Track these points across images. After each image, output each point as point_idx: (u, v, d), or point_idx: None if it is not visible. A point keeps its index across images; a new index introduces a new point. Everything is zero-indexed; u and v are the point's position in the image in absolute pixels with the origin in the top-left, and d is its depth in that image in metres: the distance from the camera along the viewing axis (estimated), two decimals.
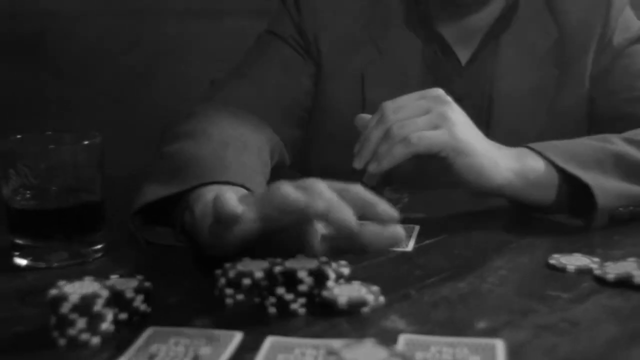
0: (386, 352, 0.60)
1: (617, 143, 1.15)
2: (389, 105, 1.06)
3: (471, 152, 1.05)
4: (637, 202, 1.13)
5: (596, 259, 0.95)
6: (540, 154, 1.11)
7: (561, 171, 1.10)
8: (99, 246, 1.00)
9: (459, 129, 1.05)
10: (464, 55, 1.41)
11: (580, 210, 1.11)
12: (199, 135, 1.12)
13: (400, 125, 1.03)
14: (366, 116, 1.09)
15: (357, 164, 1.06)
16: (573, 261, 0.94)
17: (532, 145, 1.13)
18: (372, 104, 1.28)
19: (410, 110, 1.05)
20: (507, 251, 1.02)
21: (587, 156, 1.12)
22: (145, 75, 2.07)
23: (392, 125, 1.03)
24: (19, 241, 0.97)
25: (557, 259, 0.95)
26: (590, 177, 1.09)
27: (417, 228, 1.09)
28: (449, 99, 1.07)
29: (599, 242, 1.03)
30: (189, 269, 0.93)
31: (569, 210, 1.13)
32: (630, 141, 1.16)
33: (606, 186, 1.09)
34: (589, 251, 0.98)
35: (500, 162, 1.07)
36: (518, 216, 1.16)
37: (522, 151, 1.12)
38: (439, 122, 1.04)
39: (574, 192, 1.11)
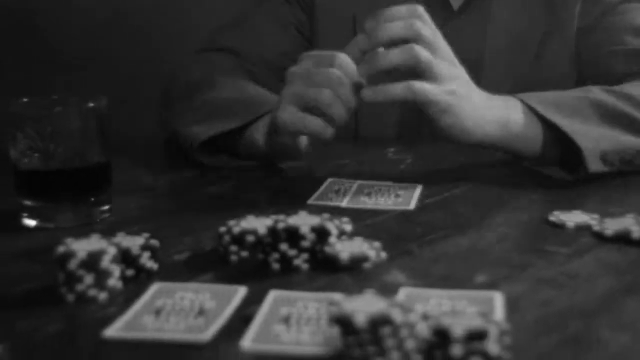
0: (385, 302, 0.61)
1: (595, 92, 1.19)
2: (422, 10, 1.07)
3: (457, 114, 1.08)
4: (619, 145, 1.15)
5: (595, 216, 0.96)
6: (523, 102, 1.15)
7: (544, 121, 1.14)
8: (106, 207, 1.01)
9: (453, 88, 1.07)
10: (456, 2, 1.43)
11: (574, 165, 1.14)
12: (218, 83, 1.34)
13: (426, 54, 1.05)
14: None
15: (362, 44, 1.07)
16: (573, 218, 0.96)
17: (517, 95, 1.17)
18: None
19: (438, 42, 1.07)
20: (508, 209, 1.03)
21: (566, 105, 1.15)
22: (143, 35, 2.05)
23: (418, 42, 1.05)
24: (27, 202, 0.99)
25: (556, 216, 0.97)
26: (569, 124, 1.12)
27: (419, 188, 1.11)
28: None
29: (599, 200, 1.05)
30: (195, 228, 0.95)
31: (565, 167, 1.17)
32: (609, 91, 1.19)
33: (586, 130, 1.12)
34: (589, 208, 0.99)
35: (487, 117, 1.11)
36: (521, 175, 1.18)
37: (507, 103, 1.15)
38: (440, 77, 1.06)
39: (561, 144, 1.14)
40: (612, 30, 1.38)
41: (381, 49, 1.04)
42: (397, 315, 0.59)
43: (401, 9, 1.06)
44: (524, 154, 1.17)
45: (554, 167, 1.18)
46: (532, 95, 1.17)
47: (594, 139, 1.12)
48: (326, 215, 0.84)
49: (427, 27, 1.06)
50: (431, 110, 1.06)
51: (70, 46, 1.99)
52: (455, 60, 1.10)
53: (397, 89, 1.04)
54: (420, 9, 1.07)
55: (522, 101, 1.16)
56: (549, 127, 1.14)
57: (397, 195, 1.07)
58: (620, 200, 1.05)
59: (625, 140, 1.15)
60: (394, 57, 1.03)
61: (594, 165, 1.11)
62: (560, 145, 1.15)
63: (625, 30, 1.37)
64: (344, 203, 1.05)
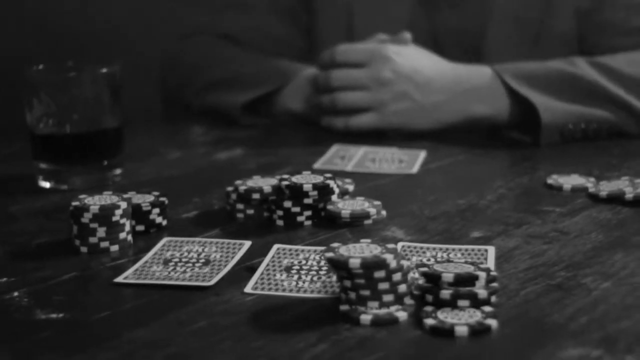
0: (380, 248, 0.64)
1: (579, 65, 1.24)
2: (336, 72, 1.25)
3: (408, 124, 1.25)
4: (585, 119, 1.21)
5: (592, 179, 0.99)
6: (497, 74, 1.24)
7: (514, 93, 1.22)
8: (118, 171, 1.05)
9: (390, 110, 1.24)
10: None
11: (529, 128, 1.22)
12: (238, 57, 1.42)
13: (344, 99, 1.25)
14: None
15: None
16: (570, 181, 0.99)
17: (494, 66, 1.25)
18: (359, 36, 1.35)
19: (354, 82, 1.24)
20: (508, 173, 1.07)
21: (541, 79, 1.22)
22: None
23: (337, 96, 1.25)
24: (42, 165, 1.02)
25: (555, 179, 0.99)
26: (538, 99, 1.20)
27: (423, 153, 1.14)
28: (391, 57, 1.24)
29: (598, 165, 1.07)
30: (203, 189, 0.98)
31: (521, 129, 1.25)
32: (594, 64, 1.24)
33: (553, 106, 1.19)
34: (586, 173, 1.02)
35: (442, 114, 1.25)
36: (523, 144, 1.21)
37: (473, 85, 1.25)
38: (374, 105, 1.24)
39: (525, 112, 1.22)
40: (614, 8, 1.38)
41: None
42: (390, 260, 0.63)
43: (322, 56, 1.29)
44: (490, 125, 1.26)
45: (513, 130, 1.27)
46: (508, 67, 1.25)
47: (559, 114, 1.20)
48: (329, 175, 0.88)
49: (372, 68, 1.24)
50: (384, 129, 1.25)
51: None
52: (406, 72, 1.24)
53: (339, 124, 1.26)
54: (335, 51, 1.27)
55: (496, 73, 1.24)
56: (518, 99, 1.22)
57: (401, 161, 1.11)
58: (619, 165, 1.08)
59: (595, 114, 1.21)
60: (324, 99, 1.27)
61: (549, 138, 1.19)
62: (523, 113, 1.23)
63: (626, 7, 1.37)
64: (349, 167, 1.08)
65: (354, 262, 0.62)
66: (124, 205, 0.79)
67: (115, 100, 1.04)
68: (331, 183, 0.85)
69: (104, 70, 1.03)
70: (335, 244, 0.66)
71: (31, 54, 1.31)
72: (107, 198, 0.80)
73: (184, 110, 1.46)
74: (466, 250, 0.76)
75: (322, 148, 1.17)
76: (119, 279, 0.71)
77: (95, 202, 0.79)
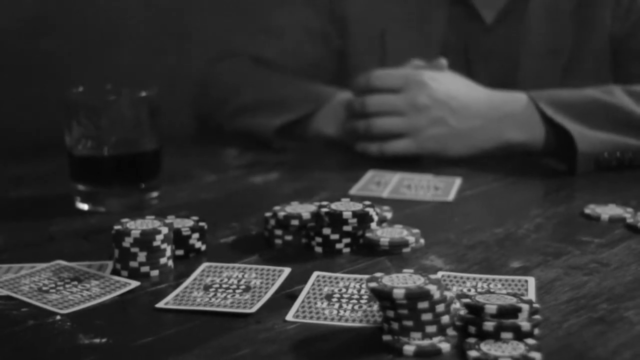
0: (423, 279, 0.64)
1: (616, 95, 1.24)
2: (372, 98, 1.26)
3: (443, 149, 1.26)
4: (621, 148, 1.21)
5: (630, 210, 0.99)
6: (532, 101, 1.25)
7: (549, 120, 1.22)
8: (155, 194, 1.05)
9: (425, 136, 1.25)
10: (489, 16, 1.43)
11: (565, 156, 1.22)
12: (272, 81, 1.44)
13: (380, 125, 1.25)
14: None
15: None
16: (607, 211, 0.98)
17: (530, 93, 1.26)
18: (393, 60, 1.35)
19: (390, 107, 1.25)
20: (544, 201, 1.06)
21: (577, 107, 1.22)
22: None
23: (373, 122, 1.25)
24: (80, 187, 1.03)
25: (592, 209, 0.99)
26: (573, 127, 1.19)
27: (458, 180, 1.14)
28: (427, 83, 1.25)
29: (634, 195, 1.07)
30: (240, 214, 0.98)
31: (556, 156, 1.25)
32: (632, 93, 1.24)
33: (589, 134, 1.19)
34: (624, 203, 1.02)
35: (478, 140, 1.26)
36: (558, 172, 1.20)
37: (508, 112, 1.25)
38: (409, 130, 1.25)
39: (560, 138, 1.22)
40: None
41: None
42: (434, 291, 0.63)
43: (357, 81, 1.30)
44: (525, 151, 1.27)
45: (547, 157, 1.26)
46: (544, 94, 1.25)
47: (595, 142, 1.19)
48: (368, 202, 0.88)
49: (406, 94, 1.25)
50: (419, 154, 1.25)
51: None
52: (430, 89, 1.24)
53: (373, 149, 1.26)
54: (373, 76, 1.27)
55: (532, 100, 1.24)
56: (554, 126, 1.22)
57: (436, 188, 1.11)
58: None
59: (631, 143, 1.21)
60: (360, 125, 1.28)
61: (584, 166, 1.19)
62: (558, 141, 1.23)
63: None
64: (385, 194, 1.08)
65: (398, 293, 0.62)
66: (165, 230, 0.80)
67: (153, 123, 1.04)
68: (371, 211, 0.85)
69: (143, 93, 1.03)
70: (378, 274, 0.66)
71: (69, 76, 1.32)
72: (148, 222, 0.81)
73: (216, 132, 1.47)
74: (506, 280, 0.76)
75: (356, 173, 1.17)
76: (161, 305, 0.72)
77: (136, 226, 0.80)
